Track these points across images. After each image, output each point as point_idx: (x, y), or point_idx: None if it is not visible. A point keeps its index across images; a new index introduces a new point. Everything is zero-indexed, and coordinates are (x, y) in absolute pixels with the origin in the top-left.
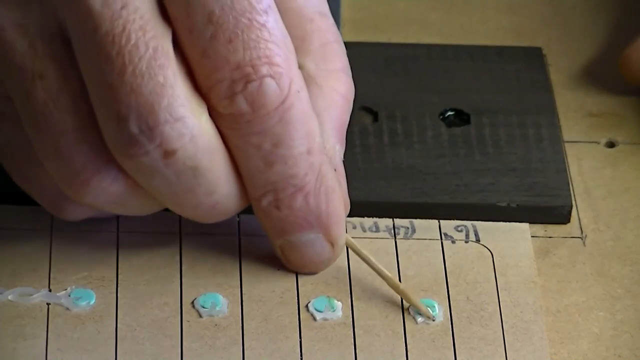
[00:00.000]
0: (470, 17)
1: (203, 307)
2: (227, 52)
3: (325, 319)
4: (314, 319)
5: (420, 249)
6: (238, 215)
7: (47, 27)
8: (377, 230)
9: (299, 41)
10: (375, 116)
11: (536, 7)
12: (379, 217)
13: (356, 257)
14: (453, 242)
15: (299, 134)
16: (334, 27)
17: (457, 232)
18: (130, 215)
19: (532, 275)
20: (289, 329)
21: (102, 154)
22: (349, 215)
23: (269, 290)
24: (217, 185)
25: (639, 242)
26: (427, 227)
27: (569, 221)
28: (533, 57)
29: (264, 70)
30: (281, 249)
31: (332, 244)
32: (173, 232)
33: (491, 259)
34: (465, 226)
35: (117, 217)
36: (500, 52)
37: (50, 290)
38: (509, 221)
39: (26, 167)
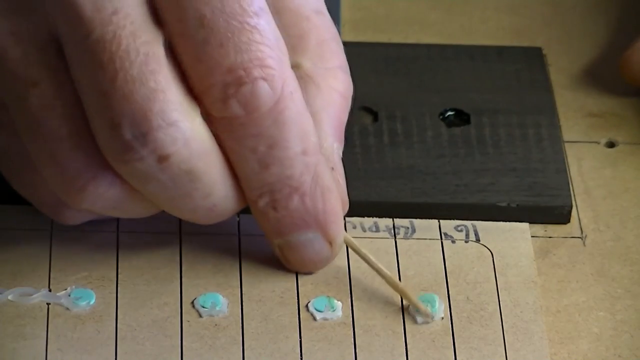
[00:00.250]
0: (470, 17)
1: (203, 307)
2: (219, 56)
3: (325, 319)
4: (314, 318)
5: (420, 249)
6: (238, 215)
7: (40, 34)
8: (377, 230)
9: (296, 40)
10: (375, 116)
11: (536, 7)
12: (379, 217)
13: (356, 257)
14: (453, 242)
15: (293, 135)
16: (331, 25)
17: (457, 232)
18: (129, 217)
19: (532, 275)
20: (289, 329)
21: (98, 160)
22: (349, 215)
23: (269, 290)
24: (213, 188)
25: (639, 242)
26: (427, 227)
27: (569, 221)
28: (533, 57)
29: (256, 72)
30: (280, 249)
31: (331, 243)
32: (173, 232)
33: (491, 258)
34: (465, 226)
35: (117, 218)
36: (500, 52)
37: (50, 290)
38: (509, 221)
39: (23, 174)
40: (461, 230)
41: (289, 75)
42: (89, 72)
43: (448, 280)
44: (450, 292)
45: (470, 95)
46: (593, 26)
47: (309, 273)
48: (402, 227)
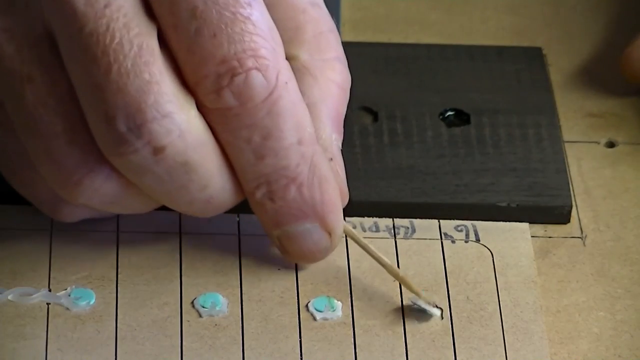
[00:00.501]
0: (470, 17)
1: (203, 307)
2: (212, 47)
3: (325, 319)
4: (314, 318)
5: (420, 249)
6: (238, 215)
7: (33, 30)
8: (377, 230)
9: (293, 32)
10: (375, 116)
11: (536, 7)
12: (379, 217)
13: (356, 257)
14: (453, 242)
15: (288, 125)
16: (327, 17)
17: (457, 232)
18: (128, 213)
19: (532, 275)
20: (289, 329)
21: (94, 154)
22: (349, 215)
23: (269, 290)
24: (209, 180)
25: (639, 242)
26: (427, 227)
27: (569, 221)
28: (533, 57)
29: (250, 63)
30: (279, 240)
31: (330, 234)
32: (173, 232)
33: (491, 258)
34: (465, 226)
35: (117, 217)
36: (500, 52)
37: (50, 290)
38: (509, 221)
39: (21, 172)
40: (461, 230)
41: (283, 65)
42: (83, 65)
43: (448, 280)
44: (450, 292)
45: (470, 95)
46: (593, 26)
47: (310, 263)
48: (402, 227)
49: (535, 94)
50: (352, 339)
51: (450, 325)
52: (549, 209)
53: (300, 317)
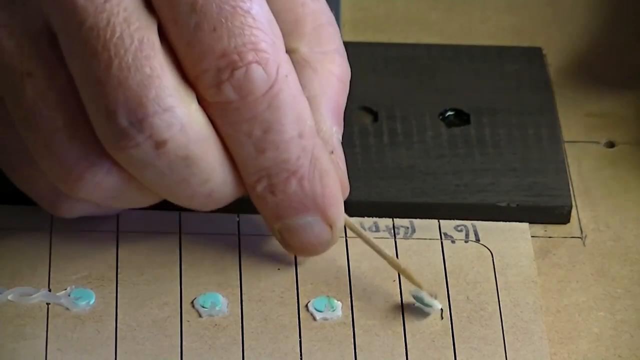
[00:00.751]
0: (470, 17)
1: (203, 307)
2: (212, 41)
3: (325, 319)
4: (314, 318)
5: (420, 249)
6: (238, 215)
7: (33, 25)
8: (377, 230)
9: (292, 25)
10: (375, 116)
11: (536, 7)
12: (379, 217)
13: (356, 257)
14: (453, 241)
15: (288, 118)
16: (326, 9)
17: (457, 232)
18: (129, 208)
19: (532, 275)
20: (288, 329)
21: (95, 148)
22: (349, 215)
23: (269, 290)
24: (211, 173)
25: (639, 242)
26: (427, 227)
27: (568, 221)
28: (533, 57)
29: (250, 56)
30: (280, 234)
31: (331, 226)
32: (173, 232)
33: (491, 258)
34: (465, 226)
35: (117, 217)
36: (500, 52)
37: (50, 290)
38: (509, 221)
39: (20, 167)
40: (461, 230)
41: (284, 58)
42: (83, 60)
43: (448, 280)
44: (450, 292)
45: (470, 95)
46: (593, 26)
47: (311, 256)
48: (402, 227)
49: (535, 94)
50: (352, 339)
51: (450, 325)
52: (549, 209)
53: (300, 317)
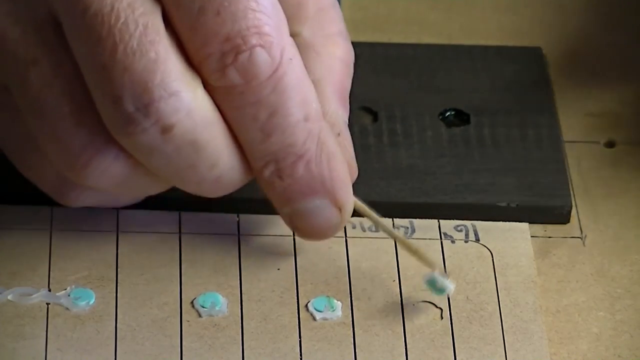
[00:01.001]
0: (470, 17)
1: (202, 307)
2: (215, 25)
3: (324, 319)
4: (314, 318)
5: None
6: (238, 215)
7: (37, 13)
8: (377, 230)
9: (295, 9)
10: (375, 116)
11: (536, 7)
12: (379, 217)
13: (356, 257)
14: (453, 241)
15: (294, 102)
16: None
17: (457, 232)
18: (136, 196)
19: (532, 275)
20: (288, 329)
21: (101, 135)
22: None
23: (269, 290)
24: (218, 158)
25: (639, 242)
26: (426, 226)
27: (568, 221)
28: (533, 57)
29: (254, 40)
30: (289, 218)
31: (340, 209)
32: (173, 232)
33: (491, 258)
34: (465, 226)
35: (117, 217)
36: (500, 52)
37: (49, 290)
38: (509, 221)
39: (27, 155)
40: (461, 230)
41: (288, 42)
42: (88, 47)
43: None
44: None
45: (470, 95)
46: (593, 26)
47: (321, 239)
48: (402, 227)
49: (535, 94)
50: (352, 339)
51: (450, 325)
52: (549, 209)
53: (300, 317)
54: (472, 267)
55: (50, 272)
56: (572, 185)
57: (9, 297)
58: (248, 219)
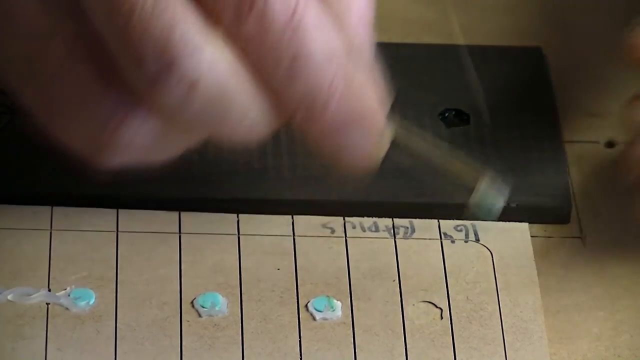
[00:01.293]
0: (470, 17)
1: (202, 307)
2: None
3: (324, 319)
4: (314, 318)
5: (419, 249)
6: (238, 215)
7: None
8: (377, 230)
9: None
10: None
11: (536, 7)
12: (379, 217)
13: (356, 257)
14: (453, 241)
15: (316, 43)
16: None
17: (457, 232)
18: (171, 153)
19: (532, 275)
20: (288, 329)
21: (128, 98)
22: (349, 215)
23: (269, 290)
24: (247, 109)
25: (639, 242)
26: (426, 226)
27: (568, 221)
28: (533, 57)
29: None
30: (329, 155)
31: (375, 140)
32: (173, 232)
33: (491, 258)
34: (465, 226)
35: (117, 217)
36: (500, 52)
37: (49, 290)
38: (509, 221)
39: (59, 122)
40: (461, 230)
41: None
42: (105, 12)
43: (448, 280)
44: (449, 292)
45: (470, 95)
46: (593, 26)
47: (362, 172)
48: (401, 227)
49: (535, 94)
50: (352, 339)
51: (450, 325)
52: (549, 209)
53: (300, 317)
54: (472, 267)
55: (50, 272)
56: (572, 185)
57: (9, 297)
58: (248, 219)
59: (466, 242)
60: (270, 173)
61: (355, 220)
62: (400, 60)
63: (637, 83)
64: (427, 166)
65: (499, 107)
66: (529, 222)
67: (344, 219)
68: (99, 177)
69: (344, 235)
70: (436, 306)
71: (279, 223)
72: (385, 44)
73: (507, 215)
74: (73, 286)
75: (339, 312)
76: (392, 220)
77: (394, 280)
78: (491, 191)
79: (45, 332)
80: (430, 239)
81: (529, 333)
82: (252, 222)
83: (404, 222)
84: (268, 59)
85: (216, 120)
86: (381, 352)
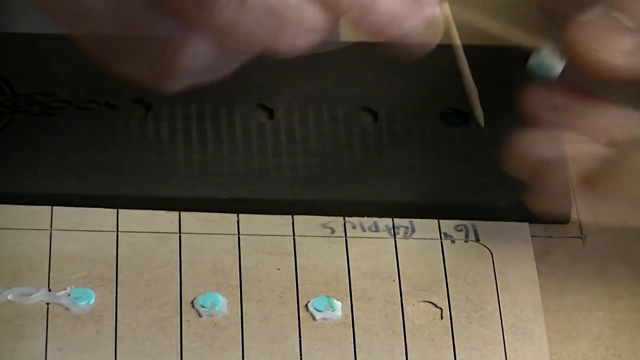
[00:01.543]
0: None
1: (202, 307)
2: None
3: (324, 319)
4: (314, 318)
5: (420, 249)
6: (238, 215)
7: None
8: (377, 230)
9: None
10: (375, 116)
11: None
12: (379, 217)
13: (356, 257)
14: (453, 241)
15: None
16: None
17: (457, 232)
18: (232, 68)
19: (532, 275)
20: (288, 329)
21: (182, 22)
22: (350, 215)
23: (269, 290)
24: (300, 16)
25: (639, 242)
26: (426, 226)
27: (568, 221)
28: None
29: None
30: (390, 47)
31: (430, 24)
32: (173, 232)
33: (491, 258)
34: (465, 226)
35: (117, 216)
36: (500, 52)
37: (49, 290)
38: (509, 221)
39: (122, 50)
40: (461, 230)
41: None
42: None
43: (448, 279)
44: (450, 292)
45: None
46: None
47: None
48: (401, 227)
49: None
50: (352, 339)
51: (450, 325)
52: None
53: (300, 317)
54: (472, 267)
55: (51, 272)
56: (572, 185)
57: (9, 297)
58: (248, 219)
59: (466, 242)
60: (270, 173)
61: (355, 220)
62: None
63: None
64: (427, 166)
65: (499, 107)
66: (529, 222)
67: (344, 219)
68: (98, 177)
69: (344, 235)
70: (436, 306)
71: (279, 223)
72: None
73: (507, 215)
74: (73, 286)
75: (339, 312)
76: (392, 220)
77: (394, 280)
78: (551, 55)
79: (45, 332)
80: (430, 239)
81: (529, 333)
82: (252, 222)
83: (404, 222)
84: None
85: (271, 33)
86: (381, 352)
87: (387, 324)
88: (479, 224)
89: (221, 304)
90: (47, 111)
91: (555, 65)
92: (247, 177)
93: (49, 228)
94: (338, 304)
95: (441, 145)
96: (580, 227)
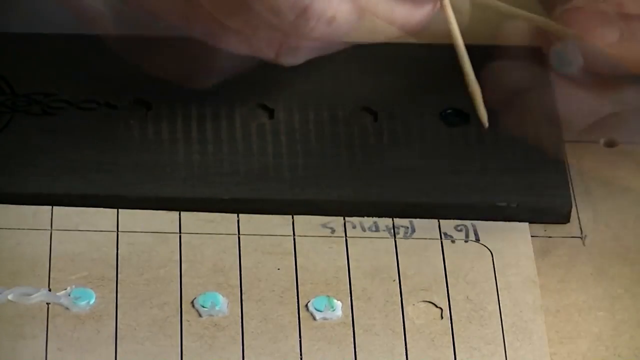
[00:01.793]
0: (470, 17)
1: (203, 307)
2: None
3: (325, 319)
4: (314, 318)
5: (420, 249)
6: (238, 215)
7: None
8: (377, 230)
9: None
10: (375, 116)
11: (536, 7)
12: (379, 217)
13: (356, 257)
14: (453, 241)
15: None
16: None
17: (457, 232)
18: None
19: (532, 275)
20: (288, 329)
21: (278, 35)
22: (350, 215)
23: (269, 290)
24: (384, 14)
25: (639, 242)
26: (426, 226)
27: (568, 221)
28: (533, 57)
29: None
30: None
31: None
32: (173, 232)
33: (491, 258)
34: (465, 226)
35: (117, 216)
36: (500, 52)
37: (50, 290)
38: (509, 221)
39: (242, 17)
40: (461, 230)
41: None
42: None
43: (448, 280)
44: (450, 292)
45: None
46: None
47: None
48: (401, 226)
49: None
50: (352, 339)
51: (450, 325)
52: (549, 209)
53: (300, 316)
54: (472, 267)
55: (51, 272)
56: (572, 185)
57: (9, 297)
58: (248, 219)
59: (466, 242)
60: (270, 173)
61: (355, 220)
62: (400, 60)
63: (637, 83)
64: (427, 166)
65: (499, 107)
66: (529, 222)
67: (344, 219)
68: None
69: (344, 235)
70: (436, 306)
71: (279, 223)
72: (385, 44)
73: (507, 215)
74: (73, 286)
75: (339, 312)
76: (392, 220)
77: (394, 280)
78: (574, 47)
79: (45, 332)
80: (430, 239)
81: (529, 333)
82: (252, 222)
83: (404, 222)
84: None
85: (360, 35)
86: (381, 352)
87: (387, 324)
88: (479, 224)
89: (221, 303)
90: (47, 111)
91: (578, 57)
92: (247, 177)
93: (49, 228)
94: (338, 303)
95: (441, 145)
96: (580, 227)
